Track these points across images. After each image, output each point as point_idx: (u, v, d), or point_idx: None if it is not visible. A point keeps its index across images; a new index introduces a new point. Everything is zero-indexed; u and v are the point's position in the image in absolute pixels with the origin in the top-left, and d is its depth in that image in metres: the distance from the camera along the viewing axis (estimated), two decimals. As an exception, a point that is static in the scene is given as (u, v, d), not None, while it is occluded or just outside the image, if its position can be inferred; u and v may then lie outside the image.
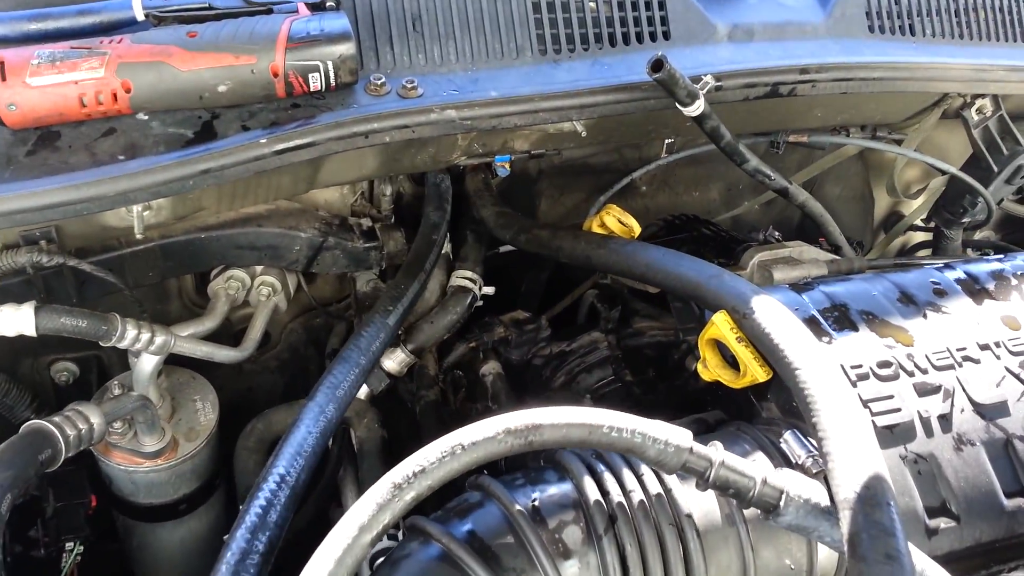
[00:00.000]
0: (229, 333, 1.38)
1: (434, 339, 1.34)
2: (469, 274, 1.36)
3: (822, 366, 0.83)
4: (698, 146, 1.53)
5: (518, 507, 0.77)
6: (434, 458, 0.72)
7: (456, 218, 1.41)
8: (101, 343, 1.06)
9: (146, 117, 1.03)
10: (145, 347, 1.08)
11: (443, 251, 1.38)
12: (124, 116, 1.03)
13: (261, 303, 1.30)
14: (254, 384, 1.51)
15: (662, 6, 1.24)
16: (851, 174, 1.79)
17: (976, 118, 1.51)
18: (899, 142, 1.56)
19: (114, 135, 1.01)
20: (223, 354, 1.21)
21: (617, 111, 1.16)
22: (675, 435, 0.76)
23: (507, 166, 1.38)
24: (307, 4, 1.10)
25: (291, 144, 1.01)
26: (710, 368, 0.99)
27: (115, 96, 1.00)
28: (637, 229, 1.23)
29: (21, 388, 1.27)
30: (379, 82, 1.09)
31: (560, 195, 1.65)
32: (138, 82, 1.00)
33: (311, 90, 1.06)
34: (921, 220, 1.78)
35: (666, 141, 1.56)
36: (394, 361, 1.32)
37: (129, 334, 1.06)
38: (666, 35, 1.24)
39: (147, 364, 1.14)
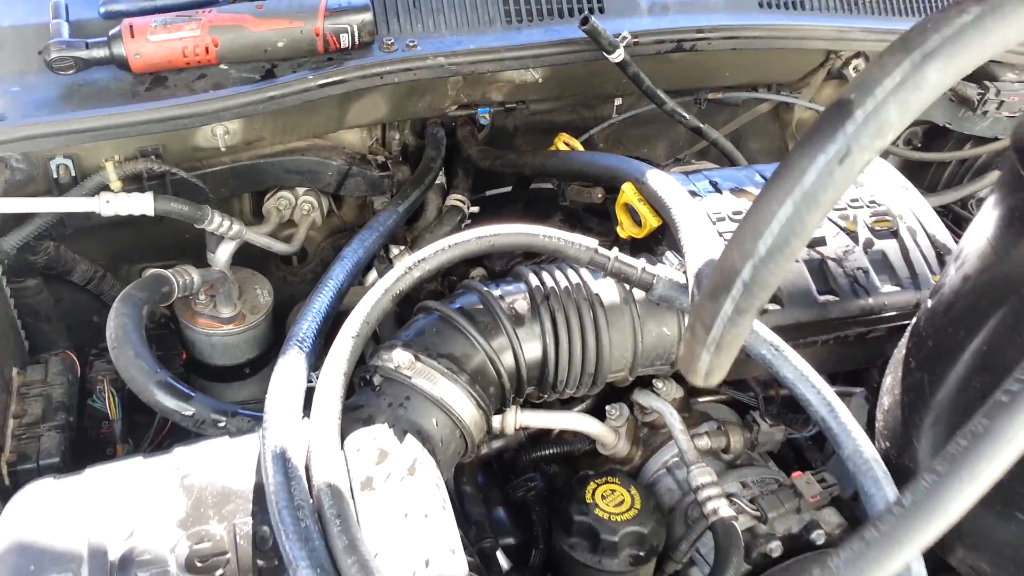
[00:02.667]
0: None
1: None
2: (460, 196, 1.78)
3: (688, 207, 1.25)
4: (640, 108, 1.97)
5: (486, 289, 1.19)
6: (433, 251, 1.15)
7: (449, 162, 1.84)
8: (196, 225, 1.48)
9: (226, 67, 1.47)
10: (226, 232, 1.51)
11: (439, 182, 1.81)
12: (211, 65, 1.46)
13: (303, 216, 1.73)
14: (295, 292, 1.93)
15: (598, -12, 1.69)
16: (769, 131, 2.22)
17: (854, 75, 1.93)
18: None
19: (205, 78, 1.45)
20: (279, 246, 1.63)
21: (562, 60, 1.59)
22: (587, 240, 1.17)
23: (487, 117, 1.81)
24: (338, -13, 1.54)
25: (329, 80, 1.44)
26: (625, 228, 1.41)
27: (207, 49, 1.43)
28: (579, 146, 1.65)
29: (120, 287, 1.69)
30: (389, 42, 1.53)
31: (532, 150, 2.08)
32: (223, 39, 1.43)
33: (341, 47, 1.50)
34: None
35: (616, 104, 1.99)
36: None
37: (216, 220, 1.48)
38: (601, 9, 1.68)
39: (224, 251, 1.57)
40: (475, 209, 1.81)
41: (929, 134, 2.19)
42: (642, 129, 2.16)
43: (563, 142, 1.66)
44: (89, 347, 1.62)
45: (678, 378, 1.36)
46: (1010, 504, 0.98)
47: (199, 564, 0.90)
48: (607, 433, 1.34)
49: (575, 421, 1.33)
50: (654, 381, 1.33)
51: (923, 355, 1.12)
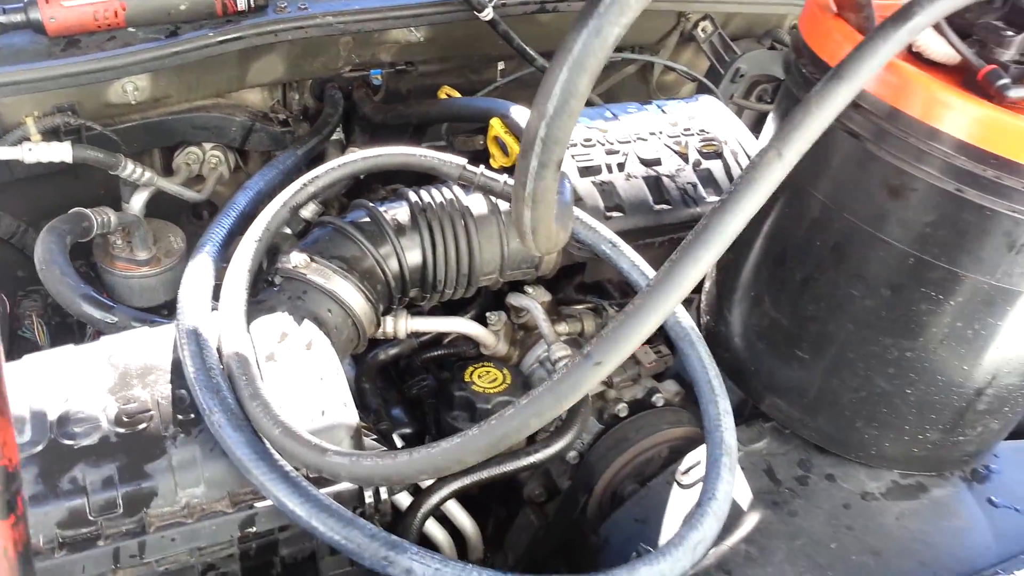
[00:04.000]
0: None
1: (335, 192, 1.94)
2: (358, 150, 1.97)
3: (544, 132, 1.47)
4: (521, 71, 2.19)
5: (372, 205, 1.39)
6: (324, 170, 1.35)
7: (349, 123, 2.03)
8: (110, 171, 1.63)
9: (134, 29, 1.63)
10: (139, 179, 1.67)
11: (338, 138, 2.00)
12: (120, 28, 1.62)
13: (211, 170, 1.89)
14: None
15: (471, -41, 1.90)
16: (638, 90, 2.47)
17: (702, 36, 2.20)
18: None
19: (114, 39, 1.61)
20: (189, 194, 1.80)
21: (440, 20, 1.81)
22: (457, 159, 1.39)
23: (380, 79, 2.01)
24: (233, -43, 1.72)
25: (227, 37, 1.62)
26: (496, 159, 1.63)
27: (116, 13, 1.59)
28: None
29: (41, 240, 1.83)
30: (283, 6, 1.72)
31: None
32: (130, 3, 1.60)
33: (238, 10, 1.68)
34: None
35: (499, 68, 2.21)
36: (308, 211, 1.91)
37: (129, 167, 1.64)
38: (474, -22, 1.90)
39: (138, 199, 1.72)
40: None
41: (776, 89, 2.48)
42: (525, 91, 2.37)
43: (445, 93, 1.88)
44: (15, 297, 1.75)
45: (546, 285, 1.58)
46: (792, 345, 1.23)
47: (126, 419, 1.07)
48: (487, 335, 1.55)
49: (459, 324, 1.54)
50: (525, 287, 1.55)
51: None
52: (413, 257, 1.38)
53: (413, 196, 1.42)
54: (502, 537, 1.55)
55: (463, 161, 1.39)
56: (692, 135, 1.64)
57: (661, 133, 1.63)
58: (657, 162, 1.57)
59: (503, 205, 1.44)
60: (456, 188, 1.44)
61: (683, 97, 2.37)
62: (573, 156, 1.53)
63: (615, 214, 1.49)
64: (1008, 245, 0.99)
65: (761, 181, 0.86)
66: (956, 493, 1.25)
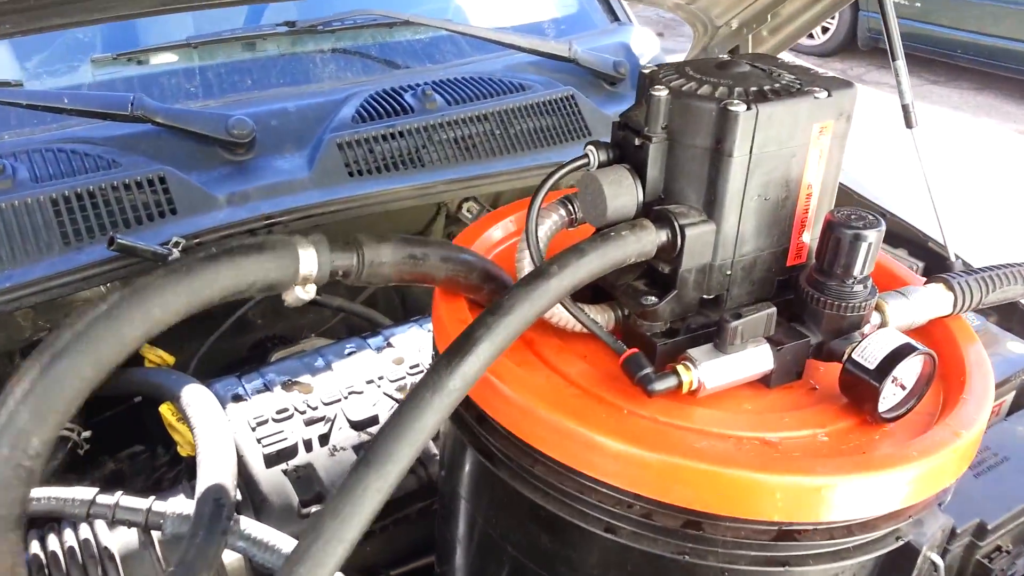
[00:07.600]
0: None
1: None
2: (68, 425, 1.66)
3: (211, 427, 1.19)
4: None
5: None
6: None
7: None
8: None
9: None
10: None
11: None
12: None
13: None
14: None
15: (167, 190, 1.64)
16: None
17: (469, 216, 1.99)
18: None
19: None
20: None
21: (122, 275, 1.53)
22: (84, 492, 1.09)
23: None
24: None
25: None
26: (184, 447, 1.33)
27: None
28: (171, 360, 1.59)
29: None
30: (-77, 295, 1.42)
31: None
32: None
33: None
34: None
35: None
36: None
37: None
38: (173, 211, 1.63)
39: None
40: (87, 434, 1.69)
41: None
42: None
43: (155, 354, 1.59)
44: None
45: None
46: None
47: None
48: None
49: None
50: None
51: (439, 515, 1.11)
52: (39, 632, 1.06)
53: (36, 546, 1.11)
54: None
55: (92, 492, 1.09)
56: (419, 372, 1.38)
57: (381, 379, 1.36)
58: (373, 421, 1.30)
59: (157, 534, 1.14)
60: (98, 523, 1.14)
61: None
62: (259, 440, 1.25)
63: (314, 507, 1.20)
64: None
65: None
66: None
